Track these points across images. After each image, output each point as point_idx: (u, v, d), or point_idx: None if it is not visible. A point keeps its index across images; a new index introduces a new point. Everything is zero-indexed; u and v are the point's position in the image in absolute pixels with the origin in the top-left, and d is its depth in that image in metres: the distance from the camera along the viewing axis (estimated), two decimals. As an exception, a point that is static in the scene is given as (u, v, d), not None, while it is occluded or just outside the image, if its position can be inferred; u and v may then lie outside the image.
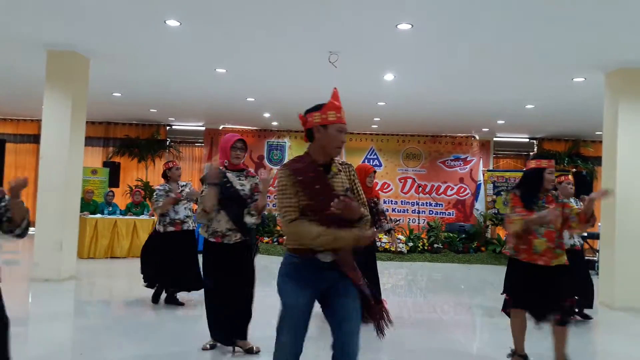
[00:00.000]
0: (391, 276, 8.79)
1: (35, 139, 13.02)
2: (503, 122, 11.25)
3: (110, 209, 9.78)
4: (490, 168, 13.05)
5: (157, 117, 12.78)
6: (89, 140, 12.08)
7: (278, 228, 11.94)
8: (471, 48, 6.21)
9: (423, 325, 5.27)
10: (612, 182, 6.55)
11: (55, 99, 6.86)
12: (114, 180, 12.05)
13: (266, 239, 11.36)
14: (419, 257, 10.74)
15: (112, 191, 10.39)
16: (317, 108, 2.51)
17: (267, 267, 9.04)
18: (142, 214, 9.90)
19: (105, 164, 12.58)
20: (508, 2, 4.79)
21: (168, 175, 5.52)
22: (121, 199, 12.22)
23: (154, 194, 5.42)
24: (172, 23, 5.67)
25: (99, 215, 9.31)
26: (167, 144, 13.55)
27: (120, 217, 9.49)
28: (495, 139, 13.46)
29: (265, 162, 13.53)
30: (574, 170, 11.79)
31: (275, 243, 11.21)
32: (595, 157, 11.53)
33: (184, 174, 13.78)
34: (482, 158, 13.23)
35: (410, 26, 5.48)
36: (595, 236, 8.76)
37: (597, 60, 6.43)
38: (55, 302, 4.43)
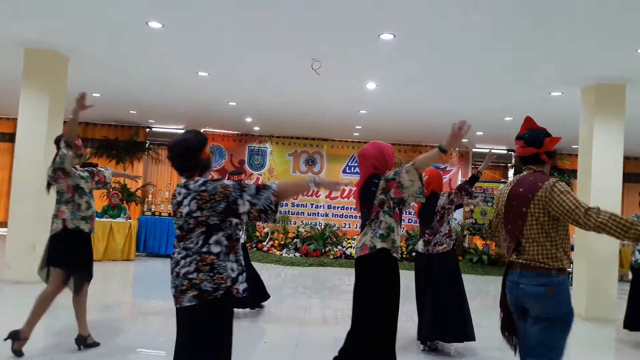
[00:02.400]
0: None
1: (10, 137, 12.75)
2: (482, 133, 11.43)
3: (86, 211, 9.61)
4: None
5: (136, 119, 12.63)
6: (66, 141, 11.87)
7: (257, 234, 11.89)
8: (452, 60, 6.30)
9: (400, 332, 5.28)
10: (587, 194, 6.69)
11: (32, 97, 6.73)
12: (90, 182, 11.84)
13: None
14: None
15: (88, 193, 10.21)
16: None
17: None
18: (119, 216, 9.76)
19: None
20: (488, 17, 4.87)
21: None
22: (98, 201, 12.01)
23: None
24: (155, 25, 5.63)
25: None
26: (147, 146, 13.39)
27: (97, 219, 9.32)
28: (474, 149, 13.64)
29: (246, 166, 13.48)
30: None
31: (254, 249, 11.15)
32: (572, 170, 11.76)
33: (163, 177, 13.68)
34: (461, 168, 13.40)
35: (392, 36, 5.54)
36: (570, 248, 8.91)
37: (574, 76, 6.59)
38: (27, 305, 4.31)
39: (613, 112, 6.72)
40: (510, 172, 13.64)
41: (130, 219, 10.04)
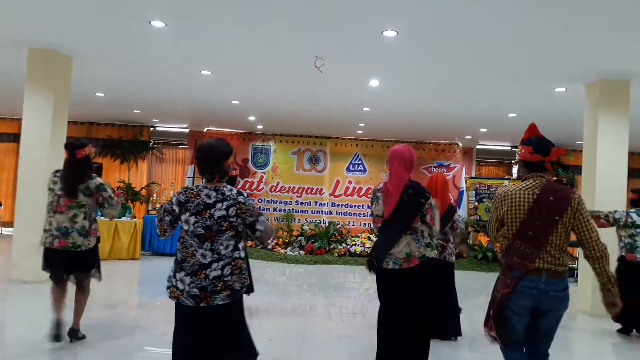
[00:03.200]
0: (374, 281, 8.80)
1: (15, 137, 12.80)
2: (486, 130, 11.39)
3: (91, 210, 9.65)
4: (473, 175, 13.19)
5: (140, 118, 12.66)
6: (71, 141, 11.90)
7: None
8: (455, 57, 6.28)
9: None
10: (592, 190, 6.68)
11: (37, 98, 6.76)
12: (95, 182, 11.86)
13: (249, 243, 11.30)
14: (401, 262, 10.76)
15: (93, 192, 10.24)
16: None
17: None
18: (124, 215, 9.80)
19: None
20: (492, 13, 4.86)
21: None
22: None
23: None
24: (157, 24, 5.64)
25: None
26: (151, 145, 13.43)
27: (102, 218, 9.37)
28: (477, 146, 13.61)
29: (250, 165, 13.49)
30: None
31: (259, 247, 11.16)
32: (576, 165, 11.71)
33: (167, 176, 13.71)
34: (465, 165, 13.37)
35: (395, 33, 5.53)
36: (575, 244, 8.88)
37: (578, 72, 6.56)
38: (33, 304, 4.36)
39: (617, 108, 6.69)
40: (514, 169, 13.61)
41: (135, 218, 10.08)
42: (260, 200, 13.38)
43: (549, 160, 2.79)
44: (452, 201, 4.96)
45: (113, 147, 12.96)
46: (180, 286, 2.63)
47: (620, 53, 5.77)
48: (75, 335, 4.20)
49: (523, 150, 2.83)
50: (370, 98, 8.79)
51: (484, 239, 12.04)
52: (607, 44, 5.51)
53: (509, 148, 13.53)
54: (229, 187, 2.74)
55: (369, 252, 3.75)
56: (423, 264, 3.26)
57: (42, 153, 6.64)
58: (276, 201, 13.41)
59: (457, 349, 4.70)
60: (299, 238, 11.45)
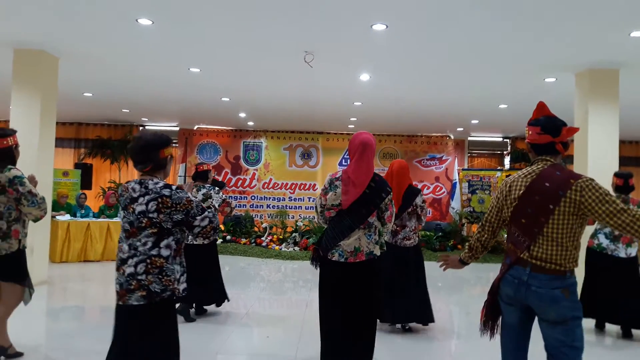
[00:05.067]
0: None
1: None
2: (477, 121, 11.42)
3: (83, 211, 9.57)
4: (465, 167, 13.23)
5: (129, 118, 12.56)
6: (60, 142, 11.80)
7: (255, 229, 11.88)
8: (445, 49, 6.27)
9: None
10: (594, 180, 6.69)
11: (23, 99, 6.66)
12: (86, 182, 11.77)
13: (243, 240, 11.27)
14: (396, 256, 10.78)
15: (84, 193, 10.15)
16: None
17: (245, 269, 8.99)
18: (116, 216, 9.72)
19: (76, 166, 12.29)
20: (481, 4, 4.84)
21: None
22: (94, 201, 11.98)
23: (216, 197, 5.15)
24: (144, 22, 5.57)
25: (71, 218, 9.09)
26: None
27: (94, 219, 9.30)
28: (469, 138, 13.66)
29: (242, 162, 13.44)
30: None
31: (253, 244, 11.13)
32: (568, 155, 11.79)
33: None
34: (457, 157, 13.41)
35: (385, 26, 5.50)
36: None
37: (568, 62, 6.57)
38: (27, 308, 4.30)
39: (607, 97, 6.72)
40: (507, 160, 13.67)
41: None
42: (253, 198, 13.35)
43: (560, 141, 2.45)
44: (412, 183, 4.94)
45: (103, 147, 12.86)
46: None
47: (610, 42, 5.78)
48: (4, 353, 3.75)
49: (530, 132, 2.51)
50: (361, 92, 8.77)
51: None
52: (597, 33, 5.51)
53: (501, 139, 13.58)
54: (156, 180, 2.49)
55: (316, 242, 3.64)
56: (369, 260, 3.19)
57: (30, 154, 6.54)
58: (269, 198, 13.38)
59: (411, 338, 4.70)
60: (294, 234, 11.42)
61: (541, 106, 2.54)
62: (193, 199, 2.50)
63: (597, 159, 6.65)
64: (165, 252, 2.44)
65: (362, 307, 3.20)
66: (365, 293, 3.20)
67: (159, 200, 2.41)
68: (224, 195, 5.31)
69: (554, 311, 2.32)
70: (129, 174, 13.16)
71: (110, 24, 5.71)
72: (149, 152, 2.54)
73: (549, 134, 2.45)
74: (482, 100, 9.15)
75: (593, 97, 6.72)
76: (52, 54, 6.82)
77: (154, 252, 2.41)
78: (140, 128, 13.41)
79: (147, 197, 2.42)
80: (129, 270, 2.41)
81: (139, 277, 2.39)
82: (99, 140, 13.01)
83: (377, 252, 3.26)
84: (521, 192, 2.45)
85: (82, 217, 9.38)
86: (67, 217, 9.07)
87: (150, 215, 2.41)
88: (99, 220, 9.31)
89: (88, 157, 12.84)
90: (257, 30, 5.79)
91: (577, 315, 2.34)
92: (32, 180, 3.76)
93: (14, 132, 3.72)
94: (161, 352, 2.46)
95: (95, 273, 8.12)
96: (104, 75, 8.18)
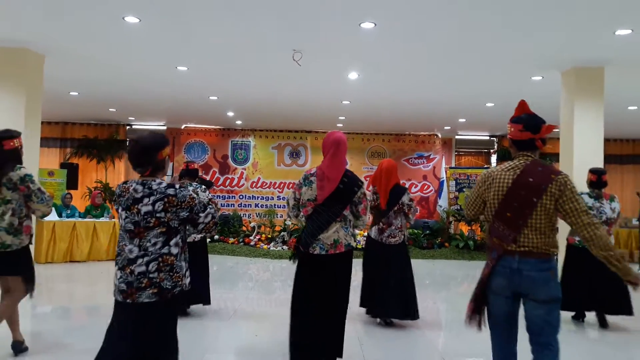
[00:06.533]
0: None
1: (-14, 140, 12.45)
2: (464, 120, 11.49)
3: (69, 211, 9.47)
4: (453, 165, 13.32)
5: (116, 117, 12.44)
6: (45, 141, 11.67)
7: (244, 229, 11.84)
8: (433, 47, 6.30)
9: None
10: (569, 176, 6.76)
11: (8, 98, 6.56)
12: (72, 182, 11.64)
13: (232, 240, 11.24)
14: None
15: (69, 193, 10.06)
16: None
17: (233, 268, 8.96)
18: (102, 216, 9.63)
19: (62, 166, 12.15)
20: (467, 4, 4.87)
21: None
22: (80, 201, 11.85)
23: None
24: (131, 20, 5.52)
25: (57, 218, 8.99)
26: (127, 144, 13.21)
27: (80, 219, 9.20)
28: (457, 136, 13.73)
29: (230, 161, 13.39)
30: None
31: (242, 243, 11.10)
32: (554, 153, 11.90)
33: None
34: (445, 156, 13.48)
35: (373, 25, 5.51)
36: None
37: (554, 60, 6.64)
38: (24, 305, 4.25)
39: (593, 95, 6.78)
40: (493, 158, 13.77)
41: (113, 218, 9.91)
42: (241, 197, 13.30)
43: (539, 137, 2.63)
44: (400, 182, 5.11)
45: (89, 147, 12.73)
46: (115, 280, 2.57)
47: (595, 40, 5.85)
48: (19, 348, 3.91)
49: (512, 129, 2.68)
50: (350, 91, 8.78)
51: (465, 228, 12.17)
52: (582, 31, 5.58)
53: (488, 138, 13.68)
54: (158, 180, 2.56)
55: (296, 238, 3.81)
56: (348, 251, 3.48)
57: (15, 154, 6.46)
58: (257, 197, 13.34)
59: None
60: (282, 233, 11.41)
61: (522, 104, 2.71)
62: (195, 196, 2.58)
63: (582, 157, 6.71)
64: (175, 250, 2.54)
65: (340, 294, 3.50)
66: (344, 280, 3.51)
67: (166, 200, 2.49)
68: (210, 195, 5.28)
69: (545, 291, 2.53)
70: (116, 173, 13.04)
71: (97, 21, 5.65)
72: (148, 155, 2.58)
73: (530, 131, 2.63)
74: (470, 99, 9.21)
75: (579, 95, 6.79)
76: (37, 52, 6.72)
77: (164, 250, 2.51)
78: (128, 127, 13.30)
79: (152, 198, 2.50)
80: (139, 269, 2.48)
81: (151, 275, 2.47)
82: (85, 139, 12.87)
83: (353, 243, 3.54)
84: (508, 187, 2.60)
85: (67, 217, 9.29)
86: (53, 217, 8.96)
87: (158, 215, 2.48)
88: (85, 220, 9.22)
89: (74, 156, 12.70)
90: (245, 28, 5.77)
91: (560, 296, 2.58)
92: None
93: (19, 133, 3.92)
94: (171, 345, 2.59)
95: (81, 273, 8.04)
96: (90, 74, 8.09)
